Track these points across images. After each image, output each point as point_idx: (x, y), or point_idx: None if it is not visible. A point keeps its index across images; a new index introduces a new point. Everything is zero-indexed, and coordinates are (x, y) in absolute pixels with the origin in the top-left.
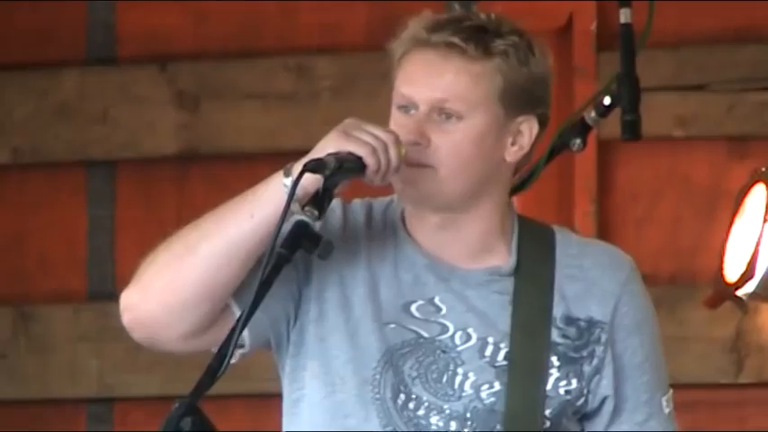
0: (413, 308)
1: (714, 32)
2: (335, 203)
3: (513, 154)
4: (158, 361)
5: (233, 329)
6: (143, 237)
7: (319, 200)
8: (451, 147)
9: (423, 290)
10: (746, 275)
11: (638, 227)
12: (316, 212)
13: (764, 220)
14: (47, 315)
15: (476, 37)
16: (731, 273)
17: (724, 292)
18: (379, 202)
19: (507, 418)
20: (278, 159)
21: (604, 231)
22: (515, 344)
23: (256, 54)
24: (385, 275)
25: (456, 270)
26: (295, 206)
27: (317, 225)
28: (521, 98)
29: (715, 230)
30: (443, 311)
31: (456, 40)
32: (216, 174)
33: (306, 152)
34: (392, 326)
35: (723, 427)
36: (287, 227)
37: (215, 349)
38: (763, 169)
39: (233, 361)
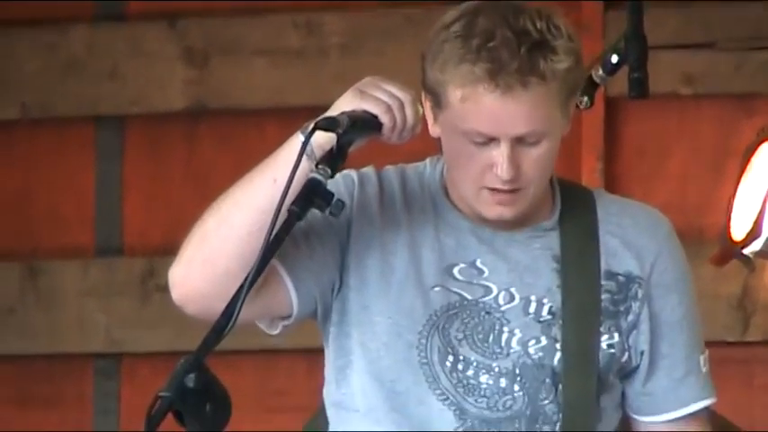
0: (455, 270)
1: None
2: (370, 172)
3: (563, 135)
4: (166, 317)
5: (241, 286)
6: (151, 192)
7: (333, 158)
8: (538, 167)
9: (465, 253)
10: (753, 234)
11: (645, 184)
12: (329, 170)
13: None
14: (55, 270)
15: (537, 62)
16: (738, 231)
17: (731, 250)
18: (413, 168)
19: (565, 369)
20: (286, 116)
21: (611, 188)
22: (565, 295)
23: (265, 11)
24: (427, 239)
25: (498, 231)
26: (308, 163)
27: (355, 192)
28: (575, 94)
29: (722, 188)
30: (486, 273)
31: (523, 78)
32: (224, 130)
33: (314, 109)
34: (437, 289)
35: (730, 384)
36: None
37: (266, 319)
38: None
39: (276, 331)
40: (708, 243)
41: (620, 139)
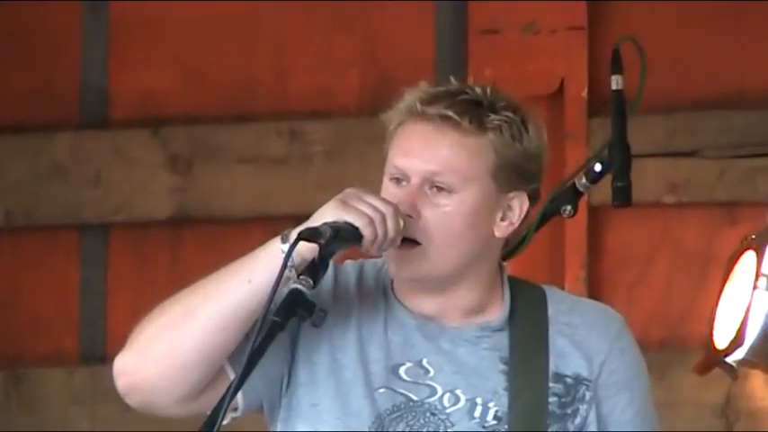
0: (401, 371)
1: (705, 98)
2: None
3: (502, 229)
4: (149, 423)
5: (223, 396)
6: (135, 300)
7: (315, 268)
8: (442, 221)
9: (411, 352)
10: (736, 342)
11: (628, 292)
12: (311, 281)
13: (754, 287)
14: (39, 377)
15: (471, 111)
16: (721, 339)
17: (714, 359)
18: (371, 264)
19: None
20: (270, 223)
21: (595, 297)
22: (512, 399)
23: (249, 118)
24: (375, 337)
25: (446, 328)
26: (291, 273)
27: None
28: (513, 174)
29: (706, 296)
30: (431, 373)
31: (451, 113)
32: (208, 237)
33: (297, 217)
34: (381, 390)
35: None
36: (282, 293)
37: (209, 412)
38: (753, 236)
39: (225, 422)
40: (691, 351)
41: (604, 247)
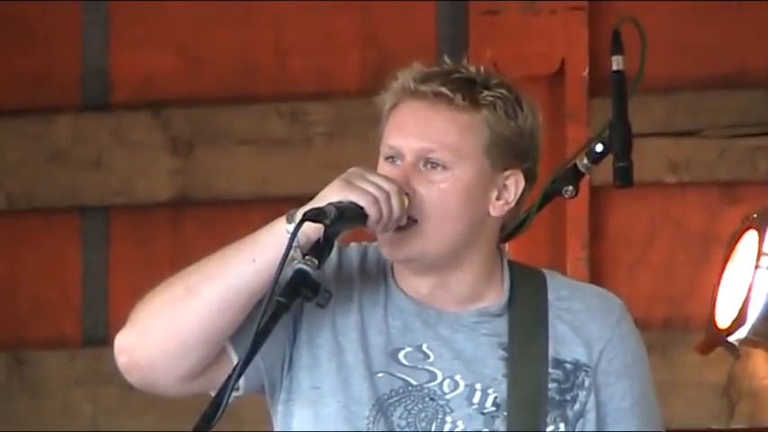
0: (401, 355)
1: (705, 78)
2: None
3: (498, 208)
4: (151, 405)
5: (229, 377)
6: (137, 282)
7: (320, 249)
8: (436, 198)
9: (411, 336)
10: (738, 321)
11: (630, 272)
12: (315, 261)
13: (756, 267)
14: (41, 360)
15: (464, 88)
16: (723, 318)
17: (716, 338)
18: (375, 247)
19: None
20: (271, 205)
21: (597, 277)
22: (511, 385)
23: (250, 100)
24: (375, 321)
25: (444, 314)
26: (296, 254)
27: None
28: (507, 152)
29: (707, 275)
30: (431, 358)
31: (444, 90)
32: (209, 219)
33: (299, 198)
34: (380, 374)
35: None
36: (287, 274)
37: (213, 393)
38: (755, 215)
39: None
40: (693, 331)
41: (605, 227)
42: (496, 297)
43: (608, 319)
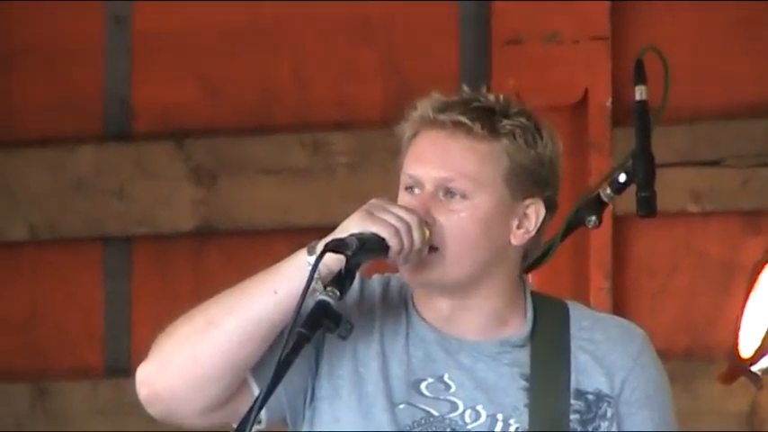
0: (423, 386)
1: (728, 108)
2: (354, 279)
3: (519, 237)
4: None
5: (251, 408)
6: (159, 312)
7: (341, 280)
8: (456, 226)
9: (432, 367)
10: (761, 351)
11: (653, 301)
12: (337, 293)
13: None
14: (64, 390)
15: (483, 117)
16: (746, 348)
17: (738, 368)
18: (398, 278)
19: None
20: (294, 235)
21: (619, 306)
22: (533, 416)
23: (272, 130)
24: (396, 352)
25: (466, 343)
26: (318, 285)
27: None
28: (527, 180)
29: (730, 305)
30: (453, 389)
31: (463, 119)
32: (232, 249)
33: (321, 228)
34: (402, 406)
35: None
36: (309, 304)
37: (234, 424)
38: None
39: None
40: (716, 360)
41: (628, 256)
42: (519, 327)
43: (629, 349)
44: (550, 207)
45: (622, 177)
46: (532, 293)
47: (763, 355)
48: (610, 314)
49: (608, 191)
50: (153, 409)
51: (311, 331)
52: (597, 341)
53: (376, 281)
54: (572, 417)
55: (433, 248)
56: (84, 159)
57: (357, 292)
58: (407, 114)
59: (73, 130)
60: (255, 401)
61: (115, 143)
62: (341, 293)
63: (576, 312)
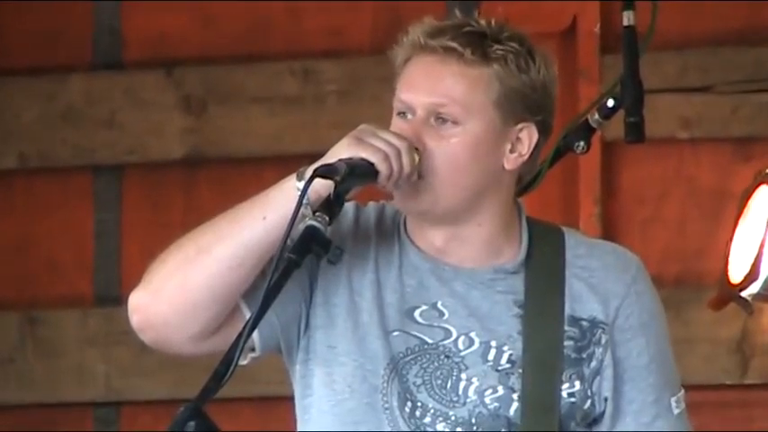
0: (416, 313)
1: (718, 34)
2: (349, 205)
3: (512, 161)
4: (165, 364)
5: (240, 334)
6: (150, 241)
7: (330, 205)
8: (447, 152)
9: (426, 294)
10: (751, 276)
11: (643, 229)
12: (326, 218)
13: None
14: (54, 319)
15: (474, 42)
16: (736, 274)
17: (729, 294)
18: (392, 206)
19: (523, 419)
20: (284, 163)
21: (609, 233)
22: (526, 343)
23: (262, 58)
24: (390, 280)
25: (460, 270)
26: (306, 210)
27: (328, 230)
28: (519, 105)
29: (720, 232)
30: (446, 316)
31: (454, 44)
32: (222, 178)
33: (312, 155)
34: (396, 333)
35: (729, 427)
36: (298, 231)
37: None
38: (767, 171)
39: (244, 362)
40: (706, 287)
41: (618, 183)
42: (514, 254)
43: (624, 277)
44: (544, 131)
45: (610, 103)
46: (528, 219)
47: (753, 281)
48: (605, 241)
49: (596, 116)
50: (145, 336)
51: (300, 256)
52: (592, 268)
53: (371, 208)
54: (566, 343)
55: (422, 176)
56: (74, 88)
57: (352, 221)
58: (400, 40)
59: (63, 59)
60: (245, 325)
61: (105, 72)
62: (330, 219)
63: (572, 239)
